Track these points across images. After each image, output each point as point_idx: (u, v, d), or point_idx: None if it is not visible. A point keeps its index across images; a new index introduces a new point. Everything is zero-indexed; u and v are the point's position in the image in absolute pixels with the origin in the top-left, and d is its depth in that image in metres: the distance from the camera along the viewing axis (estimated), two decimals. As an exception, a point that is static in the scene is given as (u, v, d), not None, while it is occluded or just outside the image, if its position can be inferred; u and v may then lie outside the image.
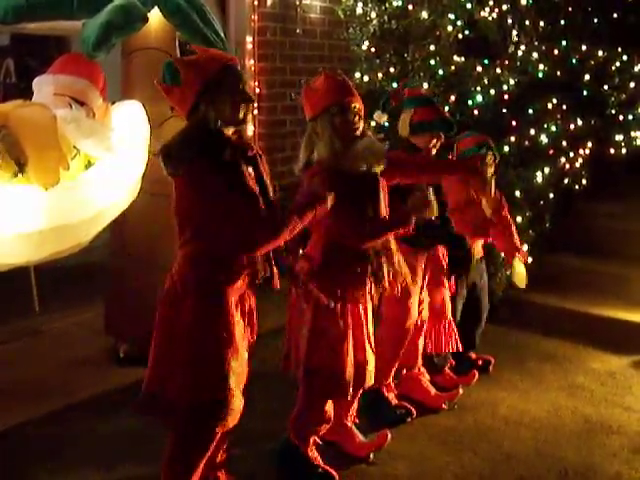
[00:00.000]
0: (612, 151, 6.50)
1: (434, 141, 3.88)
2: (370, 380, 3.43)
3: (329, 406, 3.38)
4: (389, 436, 3.62)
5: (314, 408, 3.37)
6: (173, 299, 2.79)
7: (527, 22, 6.48)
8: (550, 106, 5.92)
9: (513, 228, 4.52)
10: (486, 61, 5.97)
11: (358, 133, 3.23)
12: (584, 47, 6.63)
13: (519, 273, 4.50)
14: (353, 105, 3.20)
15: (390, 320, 3.95)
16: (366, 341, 3.37)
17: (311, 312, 3.24)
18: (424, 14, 5.81)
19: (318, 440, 3.50)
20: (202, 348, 2.77)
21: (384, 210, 3.31)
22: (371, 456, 3.59)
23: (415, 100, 3.94)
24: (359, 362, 3.33)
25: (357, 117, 3.21)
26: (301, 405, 3.42)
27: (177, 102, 2.76)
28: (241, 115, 2.74)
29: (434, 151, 3.93)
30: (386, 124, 4.34)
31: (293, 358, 3.36)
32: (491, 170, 4.39)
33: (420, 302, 4.01)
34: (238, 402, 2.85)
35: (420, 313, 4.02)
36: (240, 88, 2.73)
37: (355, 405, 3.63)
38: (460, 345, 4.25)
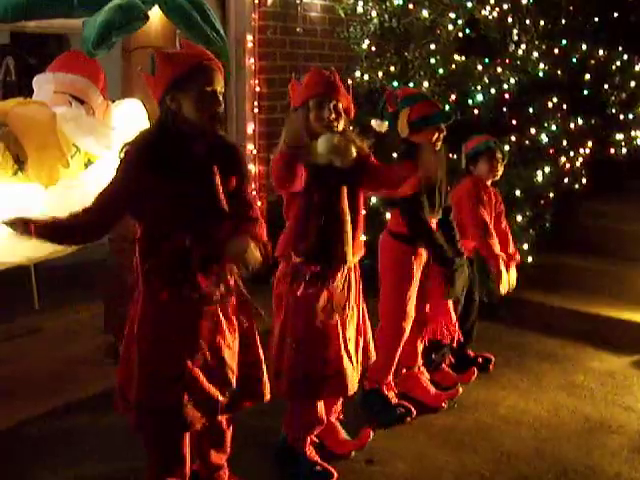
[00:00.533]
0: (612, 151, 6.50)
1: (436, 135, 3.84)
2: (351, 389, 3.37)
3: (319, 407, 3.36)
4: (371, 435, 3.61)
5: (303, 410, 3.35)
6: (134, 298, 2.82)
7: (527, 21, 6.48)
8: (550, 105, 5.92)
9: (510, 236, 4.53)
10: (486, 60, 5.97)
11: (334, 130, 3.20)
12: (584, 46, 6.63)
13: (505, 281, 4.33)
14: (332, 102, 3.17)
15: (387, 318, 3.94)
16: (342, 349, 3.30)
17: (282, 312, 3.26)
18: (425, 13, 5.81)
19: (315, 439, 3.50)
20: (151, 349, 2.75)
21: (344, 205, 3.24)
22: (352, 454, 3.57)
23: (409, 98, 3.90)
24: (335, 370, 3.29)
25: (334, 114, 3.17)
26: (290, 408, 3.42)
27: (152, 92, 2.80)
28: (205, 116, 2.70)
29: (439, 145, 3.90)
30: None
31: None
32: (501, 169, 4.40)
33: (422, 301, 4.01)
34: (198, 406, 2.78)
35: (422, 312, 4.02)
36: (207, 89, 2.69)
37: (340, 402, 3.61)
38: (460, 336, 4.20)
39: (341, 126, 3.21)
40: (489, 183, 4.44)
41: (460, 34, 6.03)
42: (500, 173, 4.43)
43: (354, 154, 3.18)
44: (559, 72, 6.26)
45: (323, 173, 3.14)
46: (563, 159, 5.91)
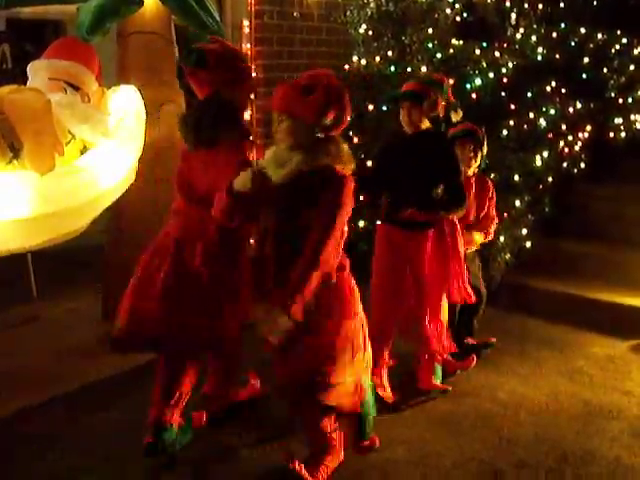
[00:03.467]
0: (611, 134, 6.47)
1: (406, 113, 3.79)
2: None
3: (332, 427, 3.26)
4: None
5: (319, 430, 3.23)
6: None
7: (526, 5, 6.45)
8: (549, 89, 5.90)
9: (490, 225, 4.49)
10: (484, 44, 5.94)
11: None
12: (583, 30, 6.59)
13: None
14: (280, 117, 2.98)
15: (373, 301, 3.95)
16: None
17: None
18: (422, -4, 5.79)
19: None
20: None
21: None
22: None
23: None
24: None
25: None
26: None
27: (200, 82, 3.16)
28: (248, 106, 2.97)
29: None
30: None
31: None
32: (475, 163, 4.33)
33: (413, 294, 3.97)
34: None
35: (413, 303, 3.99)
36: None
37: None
38: (453, 346, 4.16)
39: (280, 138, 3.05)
40: (470, 173, 4.35)
41: (458, 18, 6.00)
42: (475, 164, 4.33)
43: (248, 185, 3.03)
44: (558, 56, 6.23)
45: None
46: (562, 143, 5.88)
